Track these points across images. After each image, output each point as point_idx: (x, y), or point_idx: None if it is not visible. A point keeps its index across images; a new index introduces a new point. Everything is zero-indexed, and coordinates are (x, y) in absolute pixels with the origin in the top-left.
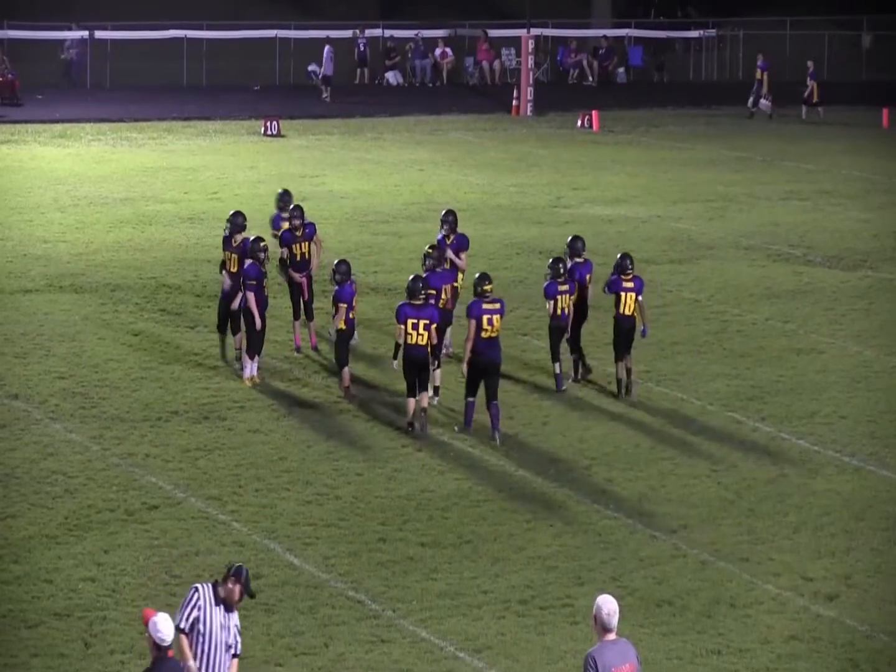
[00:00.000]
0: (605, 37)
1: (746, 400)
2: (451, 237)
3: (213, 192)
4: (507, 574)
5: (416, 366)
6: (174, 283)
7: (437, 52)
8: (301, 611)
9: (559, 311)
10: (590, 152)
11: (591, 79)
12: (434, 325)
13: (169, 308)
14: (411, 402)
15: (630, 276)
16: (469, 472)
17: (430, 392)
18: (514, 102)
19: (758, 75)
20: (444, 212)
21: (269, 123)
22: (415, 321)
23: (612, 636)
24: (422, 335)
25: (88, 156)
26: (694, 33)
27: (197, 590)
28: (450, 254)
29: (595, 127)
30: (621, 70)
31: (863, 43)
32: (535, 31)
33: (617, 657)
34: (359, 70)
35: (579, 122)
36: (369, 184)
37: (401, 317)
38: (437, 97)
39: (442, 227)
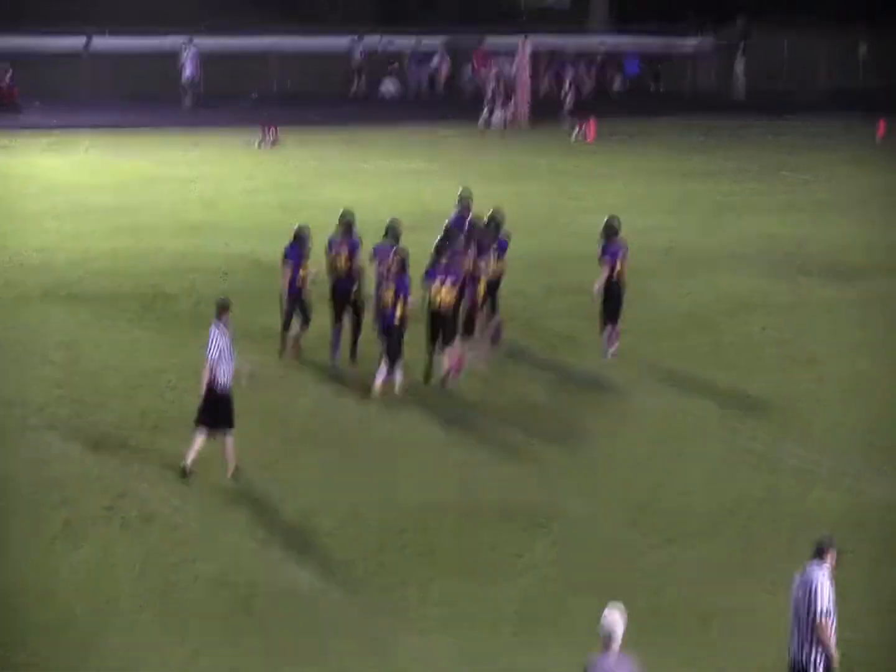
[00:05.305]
0: (602, 45)
1: (742, 411)
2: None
3: (209, 202)
4: (503, 583)
5: (440, 321)
6: (171, 292)
7: (434, 61)
8: (298, 620)
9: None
10: (586, 162)
11: (587, 88)
12: (456, 285)
13: (166, 317)
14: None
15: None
16: (466, 482)
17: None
18: (511, 112)
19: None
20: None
21: (266, 132)
22: (442, 278)
23: (613, 648)
24: (445, 293)
25: (85, 164)
26: (691, 42)
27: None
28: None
29: (591, 136)
30: (618, 79)
31: (860, 52)
32: (531, 41)
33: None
34: (356, 79)
35: (576, 132)
36: (366, 193)
37: (427, 278)
38: (434, 106)
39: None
